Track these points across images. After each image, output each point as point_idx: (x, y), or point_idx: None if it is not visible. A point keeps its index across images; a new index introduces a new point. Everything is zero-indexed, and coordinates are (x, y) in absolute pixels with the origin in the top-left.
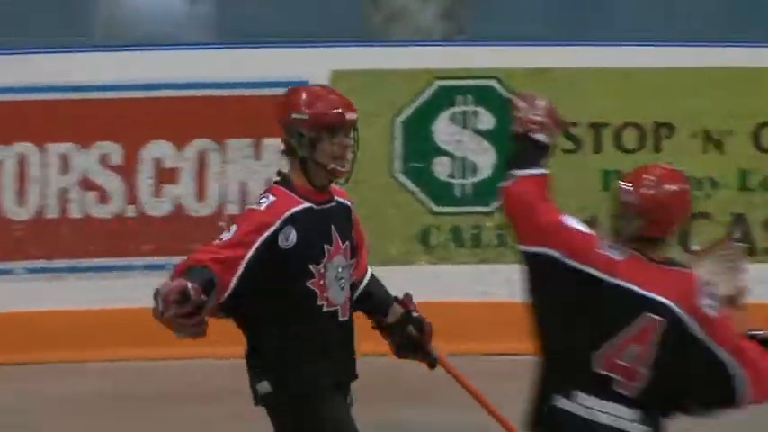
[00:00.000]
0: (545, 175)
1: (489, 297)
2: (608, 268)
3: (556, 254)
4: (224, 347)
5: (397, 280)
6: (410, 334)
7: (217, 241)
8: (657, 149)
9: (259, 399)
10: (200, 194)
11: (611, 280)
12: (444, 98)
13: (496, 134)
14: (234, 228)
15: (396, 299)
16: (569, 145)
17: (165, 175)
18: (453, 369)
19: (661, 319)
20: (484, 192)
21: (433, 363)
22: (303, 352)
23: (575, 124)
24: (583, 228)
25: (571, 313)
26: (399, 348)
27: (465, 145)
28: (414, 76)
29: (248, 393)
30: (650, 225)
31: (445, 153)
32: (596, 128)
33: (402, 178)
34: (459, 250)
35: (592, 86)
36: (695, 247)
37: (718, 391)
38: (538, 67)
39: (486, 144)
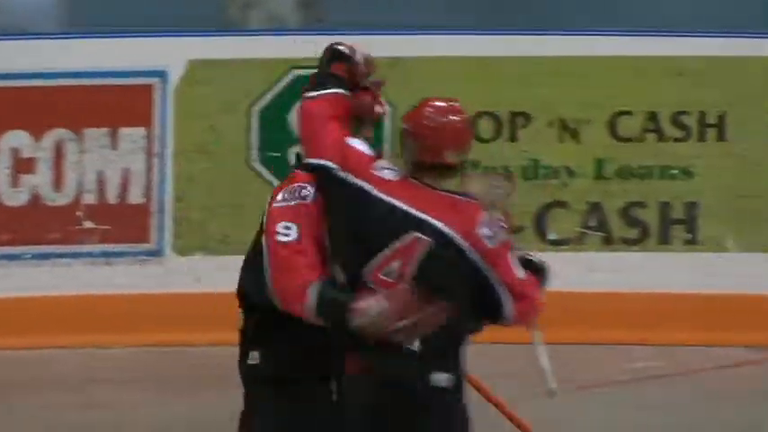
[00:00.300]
0: (341, 95)
1: None
2: (379, 186)
3: (334, 167)
4: (79, 336)
5: None
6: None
7: (284, 248)
8: (513, 139)
9: (244, 367)
10: (58, 184)
11: (381, 196)
12: (301, 87)
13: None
14: (293, 229)
15: None
16: None
17: (22, 165)
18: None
19: (428, 238)
20: None
21: None
22: (301, 333)
23: None
24: (365, 149)
25: (346, 226)
26: None
27: None
28: (270, 65)
29: (103, 381)
30: (423, 150)
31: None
32: None
33: (259, 167)
34: None
35: (448, 75)
36: (553, 235)
37: (483, 313)
38: (395, 56)
39: None
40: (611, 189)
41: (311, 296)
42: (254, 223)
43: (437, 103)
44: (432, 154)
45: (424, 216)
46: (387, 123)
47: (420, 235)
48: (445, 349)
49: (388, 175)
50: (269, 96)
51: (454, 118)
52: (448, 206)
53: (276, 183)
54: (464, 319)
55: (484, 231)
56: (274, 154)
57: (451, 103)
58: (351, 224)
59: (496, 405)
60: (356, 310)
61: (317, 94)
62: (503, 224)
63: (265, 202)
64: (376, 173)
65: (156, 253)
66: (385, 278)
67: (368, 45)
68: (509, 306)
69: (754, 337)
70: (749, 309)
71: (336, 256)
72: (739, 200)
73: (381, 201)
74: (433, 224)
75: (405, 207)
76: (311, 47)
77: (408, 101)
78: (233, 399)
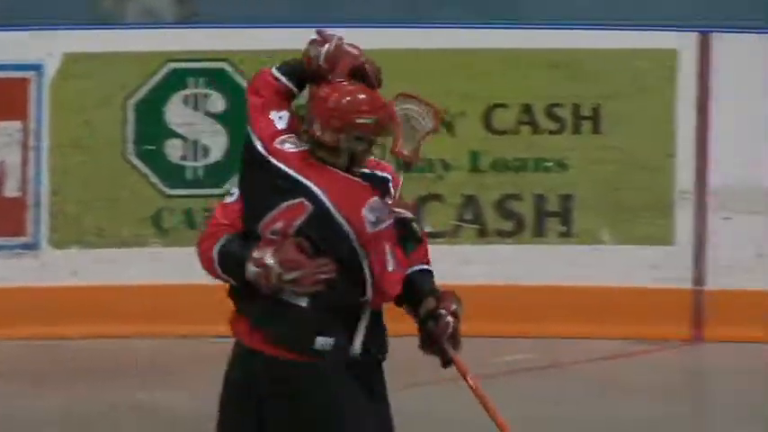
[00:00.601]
0: (284, 85)
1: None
2: (275, 154)
3: (252, 135)
4: None
5: (129, 263)
6: (429, 329)
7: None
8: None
9: None
10: None
11: (274, 161)
12: (176, 80)
13: (228, 117)
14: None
15: (434, 293)
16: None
17: None
18: (466, 370)
19: (309, 204)
20: (216, 174)
21: (447, 361)
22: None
23: (304, 106)
24: (279, 123)
25: (247, 185)
26: (420, 343)
27: (197, 127)
28: (146, 58)
29: None
30: (308, 124)
31: (177, 135)
32: None
33: (134, 161)
34: (192, 233)
35: None
36: (428, 228)
37: (351, 287)
38: (269, 50)
39: (217, 126)
40: (486, 182)
41: (215, 250)
42: (129, 216)
43: (337, 80)
44: (308, 125)
45: (308, 183)
46: None
47: (303, 200)
48: (333, 315)
49: (287, 147)
50: (144, 90)
51: (329, 92)
52: (336, 181)
53: (152, 176)
54: (344, 285)
55: (369, 216)
56: (150, 147)
57: (345, 83)
58: (249, 184)
59: (481, 399)
60: (251, 260)
61: (274, 72)
62: (389, 214)
63: (141, 196)
64: (277, 145)
65: (32, 246)
66: (271, 237)
67: (242, 39)
68: (370, 292)
69: (629, 330)
70: (624, 301)
71: (245, 215)
72: (614, 192)
73: (274, 166)
74: (315, 192)
75: (292, 173)
76: (186, 40)
77: None
78: (108, 392)
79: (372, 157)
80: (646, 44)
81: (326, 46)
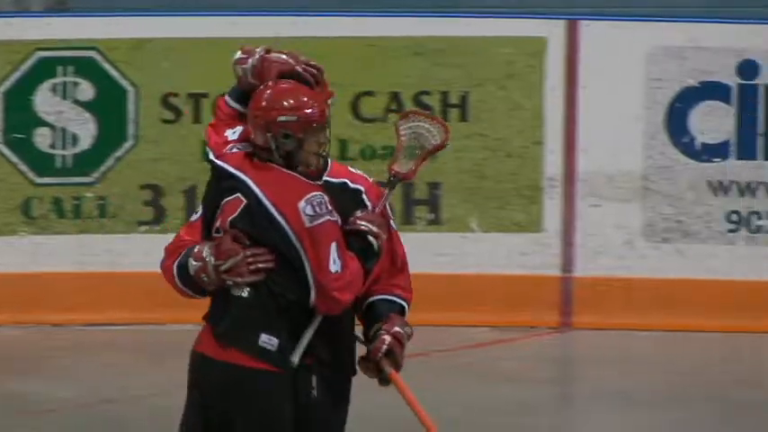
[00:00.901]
0: (232, 108)
1: (89, 267)
2: (223, 157)
3: (209, 149)
4: None
5: None
6: (368, 349)
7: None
8: None
9: None
10: None
11: (221, 164)
12: (45, 69)
13: (96, 105)
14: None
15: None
16: (169, 115)
17: None
18: (404, 387)
19: (244, 199)
20: (84, 162)
21: (384, 379)
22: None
23: (176, 95)
24: (232, 136)
25: (206, 199)
26: (358, 362)
27: (65, 116)
28: (14, 47)
29: None
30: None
31: (46, 124)
32: (196, 98)
33: (3, 149)
34: (61, 221)
35: (191, 57)
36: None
37: (292, 282)
38: (137, 38)
39: (86, 115)
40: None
41: (175, 264)
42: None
43: (278, 81)
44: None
45: (243, 177)
46: (131, 104)
47: (239, 195)
48: (278, 314)
49: (234, 151)
50: (13, 78)
51: (258, 94)
52: (272, 175)
53: (21, 164)
54: (285, 279)
55: (306, 208)
56: (19, 136)
57: (280, 83)
58: (206, 194)
59: (408, 401)
60: (191, 255)
61: (225, 98)
62: (330, 211)
63: (9, 185)
64: (225, 150)
65: None
66: (215, 235)
67: (110, 28)
68: (314, 293)
69: (498, 318)
70: (493, 289)
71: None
72: (482, 180)
73: (218, 166)
74: (249, 185)
75: (231, 169)
76: (54, 29)
77: (154, 82)
78: None
79: (350, 168)
80: (514, 32)
81: (250, 61)
